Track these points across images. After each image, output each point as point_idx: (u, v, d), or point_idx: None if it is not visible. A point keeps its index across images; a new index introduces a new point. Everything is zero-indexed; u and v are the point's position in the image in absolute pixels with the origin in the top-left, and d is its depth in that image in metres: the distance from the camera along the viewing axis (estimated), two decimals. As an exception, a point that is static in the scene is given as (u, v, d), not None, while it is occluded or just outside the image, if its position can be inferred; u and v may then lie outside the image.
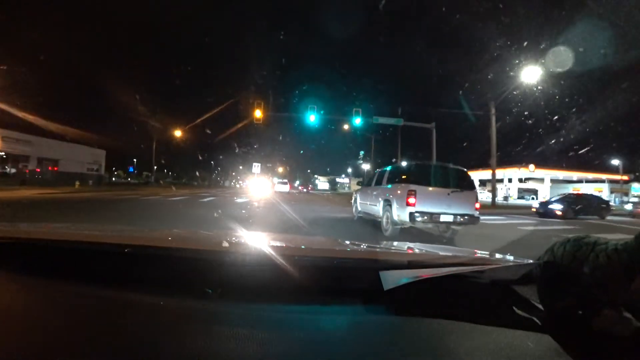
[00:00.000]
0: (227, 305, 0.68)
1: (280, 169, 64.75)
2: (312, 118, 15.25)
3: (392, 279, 0.72)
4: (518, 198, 36.69)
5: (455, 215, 5.43)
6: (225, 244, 0.98)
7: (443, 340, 0.58)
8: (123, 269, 0.80)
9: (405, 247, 1.36)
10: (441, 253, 1.15)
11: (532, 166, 35.79)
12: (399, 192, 5.72)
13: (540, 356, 0.55)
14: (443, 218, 5.41)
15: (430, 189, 5.53)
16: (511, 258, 1.03)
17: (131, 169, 55.05)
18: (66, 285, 0.72)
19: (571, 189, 48.59)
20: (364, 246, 1.19)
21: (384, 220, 6.09)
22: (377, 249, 1.11)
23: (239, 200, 14.26)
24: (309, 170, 76.74)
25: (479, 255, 1.09)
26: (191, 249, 0.87)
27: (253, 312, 0.65)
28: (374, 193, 6.91)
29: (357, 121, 15.64)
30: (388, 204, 5.95)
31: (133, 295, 0.68)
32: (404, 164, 7.03)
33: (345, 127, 27.79)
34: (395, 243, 1.42)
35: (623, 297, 0.57)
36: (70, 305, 0.64)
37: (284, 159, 67.81)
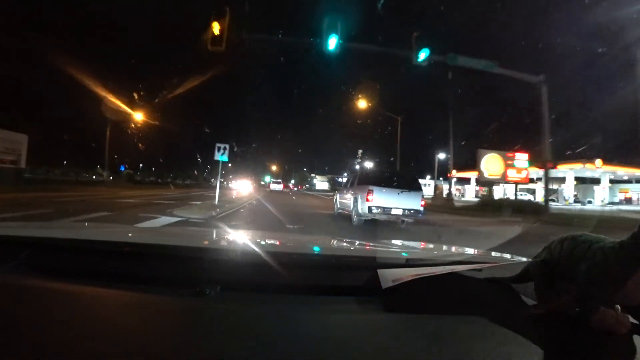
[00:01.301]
0: (225, 303, 0.72)
1: (274, 167, 66.81)
2: (332, 43, 9.14)
3: (391, 277, 0.75)
4: (575, 202, 28.61)
5: (403, 209, 7.82)
6: (224, 243, 1.04)
7: (441, 338, 0.62)
8: (120, 268, 0.84)
9: (404, 245, 1.41)
10: (439, 252, 1.21)
11: (598, 161, 27.43)
12: (361, 191, 8.14)
13: (537, 353, 0.59)
14: (394, 211, 7.81)
15: (384, 189, 7.93)
16: (508, 256, 1.04)
17: (122, 168, 50.69)
18: (63, 283, 0.75)
19: (617, 191, 40.54)
20: (362, 245, 1.26)
21: (353, 213, 8.52)
22: (376, 248, 1.14)
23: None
24: (305, 169, 77.17)
25: (476, 253, 1.14)
26: (189, 247, 0.91)
27: (251, 310, 0.70)
28: (348, 193, 9.39)
29: (422, 56, 9.31)
30: (355, 200, 8.40)
31: (131, 294, 0.72)
32: (369, 170, 10.59)
33: (363, 104, 19.46)
34: (393, 241, 1.55)
35: (620, 295, 0.61)
36: (67, 304, 0.68)
37: (280, 158, 69.51)
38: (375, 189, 7.91)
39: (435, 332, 0.63)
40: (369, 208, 7.77)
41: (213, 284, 0.75)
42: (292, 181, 66.88)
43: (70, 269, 0.83)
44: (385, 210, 7.79)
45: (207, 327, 0.62)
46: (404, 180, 8.41)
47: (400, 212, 7.85)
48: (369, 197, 7.80)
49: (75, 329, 0.59)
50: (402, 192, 7.96)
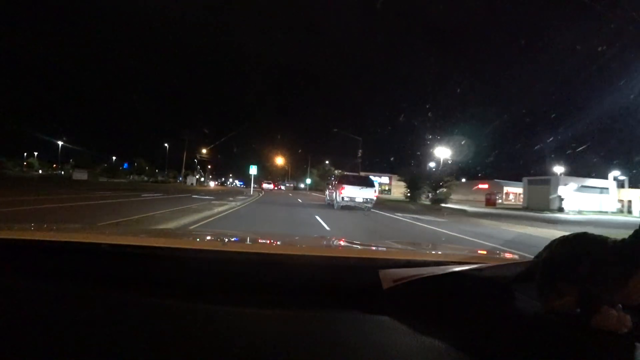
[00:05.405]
0: (223, 305, 0.73)
1: (281, 161, 65.39)
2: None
3: (391, 277, 0.77)
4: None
5: (363, 198, 13.65)
6: (222, 244, 1.03)
7: (442, 339, 0.63)
8: (116, 270, 0.86)
9: (405, 245, 1.42)
10: (440, 252, 1.22)
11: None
12: (338, 187, 14.05)
13: (539, 353, 0.60)
14: (357, 200, 13.64)
15: (351, 186, 13.80)
16: (510, 256, 1.13)
17: (126, 165, 55.10)
18: (60, 286, 0.78)
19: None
20: (363, 245, 1.29)
21: (334, 201, 14.39)
22: (376, 248, 1.19)
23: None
24: (327, 162, 66.88)
25: (478, 253, 1.21)
26: (186, 249, 0.92)
27: (249, 312, 0.71)
28: (331, 188, 15.57)
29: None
30: (335, 193, 14.33)
31: (127, 296, 0.74)
32: (344, 174, 15.90)
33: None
34: (394, 242, 1.52)
35: (621, 295, 0.61)
36: (63, 306, 0.70)
37: (283, 155, 66.18)
38: (345, 186, 13.74)
39: (437, 332, 0.64)
40: (342, 198, 13.61)
41: (210, 286, 0.77)
42: (308, 180, 61.05)
43: (66, 272, 0.84)
44: (352, 199, 13.62)
45: (203, 329, 0.63)
46: (362, 180, 14.42)
47: (361, 200, 13.72)
48: (342, 191, 13.65)
49: (71, 331, 0.60)
50: (362, 188, 13.83)
